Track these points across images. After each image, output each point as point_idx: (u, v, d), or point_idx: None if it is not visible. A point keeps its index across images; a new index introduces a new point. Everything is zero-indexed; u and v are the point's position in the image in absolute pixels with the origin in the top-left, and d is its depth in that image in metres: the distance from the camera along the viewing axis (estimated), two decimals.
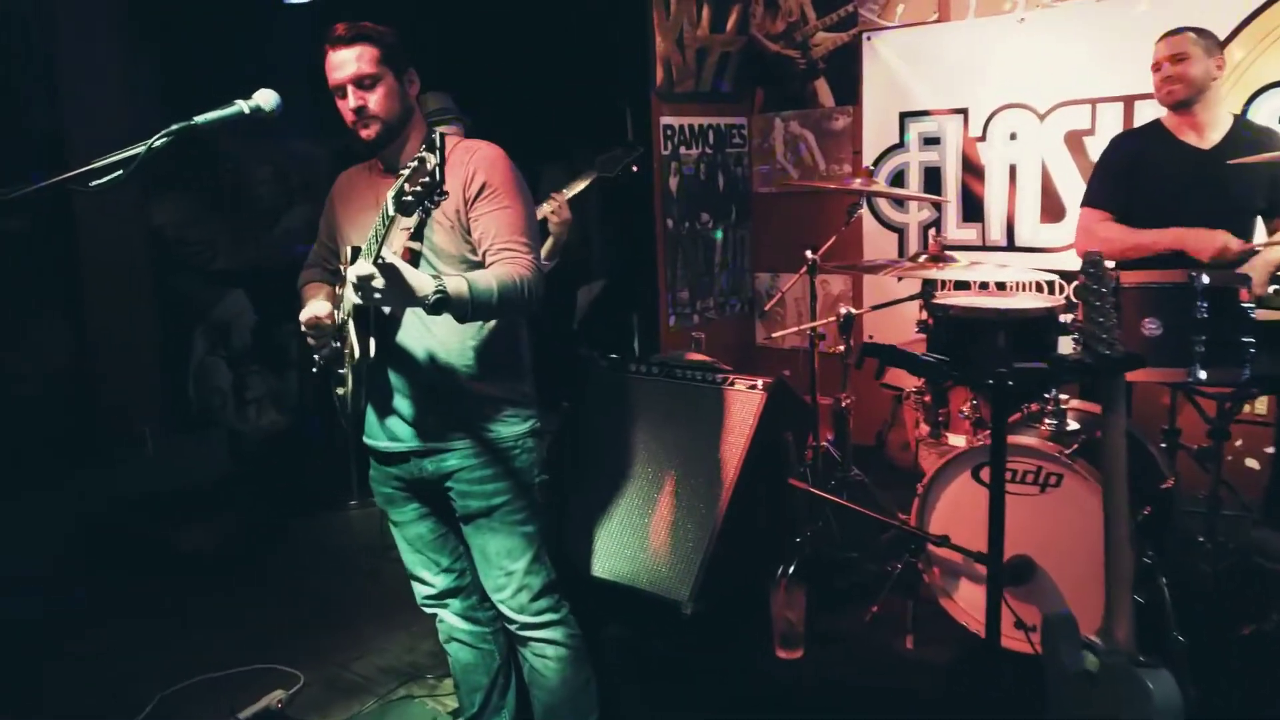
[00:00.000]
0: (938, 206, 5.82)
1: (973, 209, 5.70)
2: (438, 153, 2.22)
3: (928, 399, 4.21)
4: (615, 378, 4.28)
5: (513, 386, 2.86)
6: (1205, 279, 3.19)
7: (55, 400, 5.44)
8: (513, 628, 2.96)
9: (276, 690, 3.70)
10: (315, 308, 2.79)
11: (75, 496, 5.13)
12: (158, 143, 2.01)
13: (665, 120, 5.96)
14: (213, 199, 6.40)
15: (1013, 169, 5.53)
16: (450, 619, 3.12)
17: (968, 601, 3.67)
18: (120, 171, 1.97)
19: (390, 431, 2.84)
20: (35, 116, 5.29)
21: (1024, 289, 5.01)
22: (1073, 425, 3.60)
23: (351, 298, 2.53)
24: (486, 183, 2.67)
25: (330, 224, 2.98)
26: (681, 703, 3.62)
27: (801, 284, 4.69)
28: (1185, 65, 3.86)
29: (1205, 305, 3.19)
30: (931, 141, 5.79)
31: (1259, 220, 4.01)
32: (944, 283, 4.27)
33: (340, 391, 2.89)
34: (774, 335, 5.57)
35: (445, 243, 2.69)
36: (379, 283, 2.27)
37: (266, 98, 2.24)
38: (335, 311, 2.81)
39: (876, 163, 5.97)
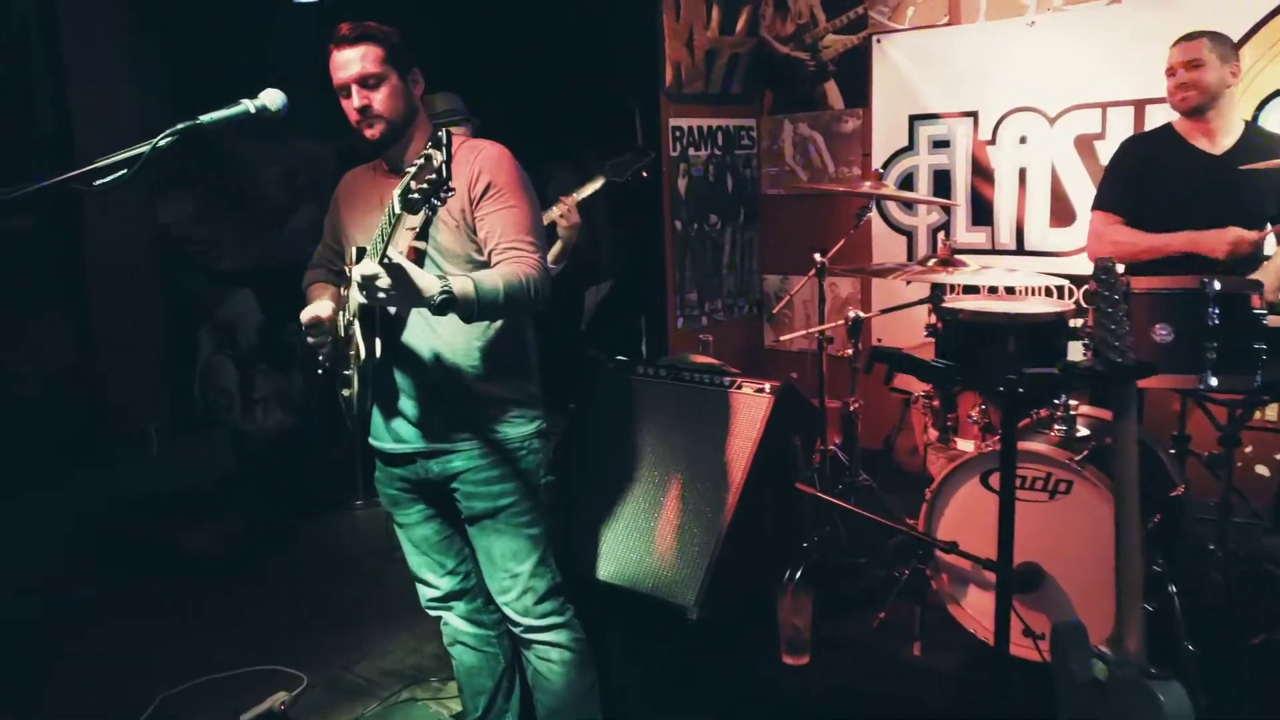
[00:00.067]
0: (947, 210, 5.80)
1: (982, 212, 5.68)
2: (444, 150, 2.21)
3: (936, 404, 4.19)
4: (622, 379, 4.26)
5: (519, 387, 2.85)
6: (1217, 285, 3.17)
7: (59, 399, 5.43)
8: (517, 630, 2.94)
9: (279, 692, 3.68)
10: (317, 307, 2.78)
11: (77, 496, 5.12)
12: (162, 142, 1.99)
13: (674, 122, 5.94)
14: (220, 198, 6.40)
15: (1022, 172, 5.51)
16: (455, 622, 3.10)
17: (976, 608, 3.64)
18: (124, 171, 1.95)
19: (396, 432, 2.83)
20: (41, 115, 5.28)
21: (1033, 293, 4.99)
22: (1082, 431, 3.57)
23: (357, 298, 2.52)
24: (492, 182, 2.65)
25: (335, 224, 2.97)
26: (686, 708, 3.61)
27: (810, 286, 4.68)
28: (1200, 72, 3.84)
29: (1217, 311, 3.17)
30: (941, 144, 5.77)
31: (1269, 227, 3.99)
32: (952, 286, 4.25)
33: (346, 393, 2.87)
34: (782, 338, 5.55)
35: (450, 242, 2.68)
36: (384, 282, 2.26)
37: (273, 97, 2.22)
38: (340, 312, 2.80)
39: (886, 165, 5.94)
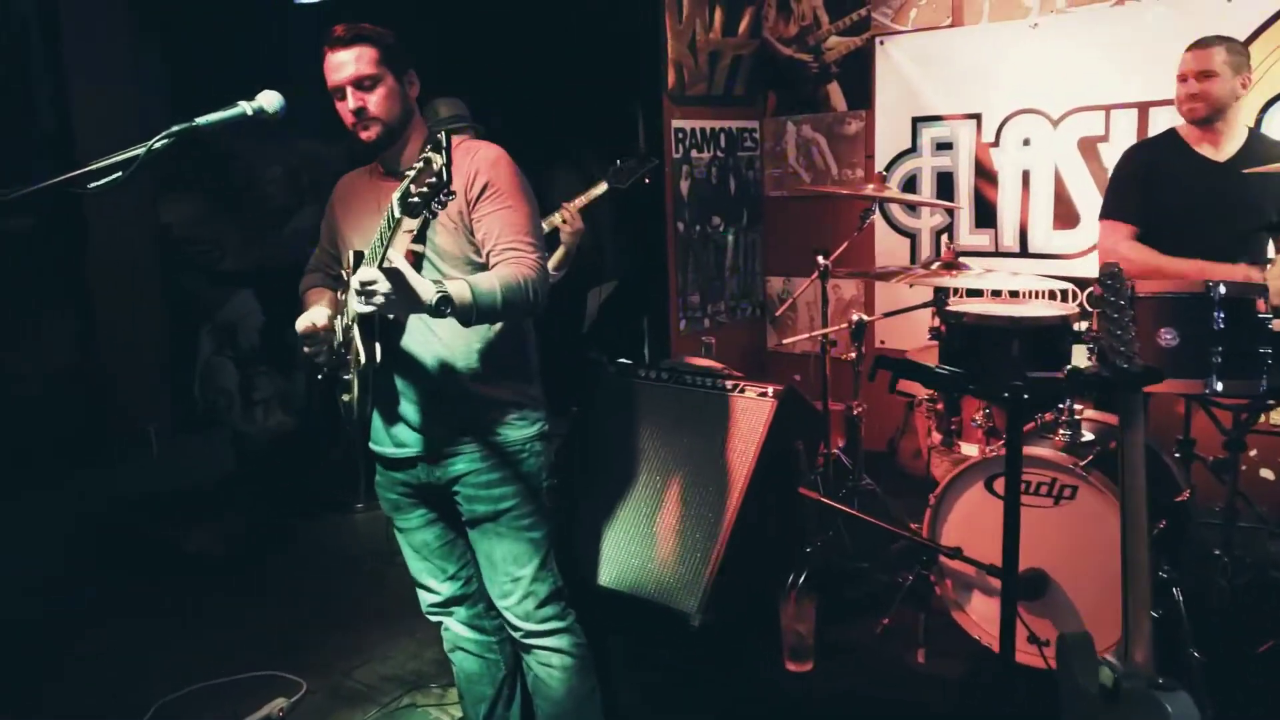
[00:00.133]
0: (950, 212, 5.79)
1: (985, 215, 5.67)
2: (444, 153, 2.19)
3: (940, 407, 4.18)
4: (624, 383, 4.24)
5: (520, 389, 2.83)
6: (1222, 289, 3.17)
7: (60, 399, 5.42)
8: (517, 635, 2.92)
9: (279, 698, 3.67)
10: (312, 315, 2.77)
11: (77, 496, 5.11)
12: (158, 144, 1.97)
13: (677, 123, 5.92)
14: (221, 198, 6.39)
15: (1026, 175, 5.50)
16: (456, 627, 3.09)
17: (980, 615, 3.62)
18: (120, 173, 1.93)
19: (396, 437, 2.81)
20: (41, 115, 5.27)
21: (1037, 296, 4.97)
22: (1087, 436, 3.55)
23: (356, 303, 2.50)
24: (489, 183, 2.64)
25: (331, 229, 2.95)
26: (688, 715, 3.59)
27: (813, 289, 4.66)
28: (1211, 83, 3.82)
29: (1222, 315, 3.16)
30: (944, 146, 5.76)
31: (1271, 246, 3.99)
32: (956, 289, 4.24)
33: (346, 398, 2.85)
34: (785, 341, 5.54)
35: (449, 245, 2.66)
36: (383, 288, 2.25)
37: (270, 99, 2.20)
38: (338, 318, 2.78)
39: (889, 167, 5.93)
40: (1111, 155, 4.41)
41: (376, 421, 2.84)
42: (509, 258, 2.59)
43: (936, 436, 4.21)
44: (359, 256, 2.57)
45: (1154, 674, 2.38)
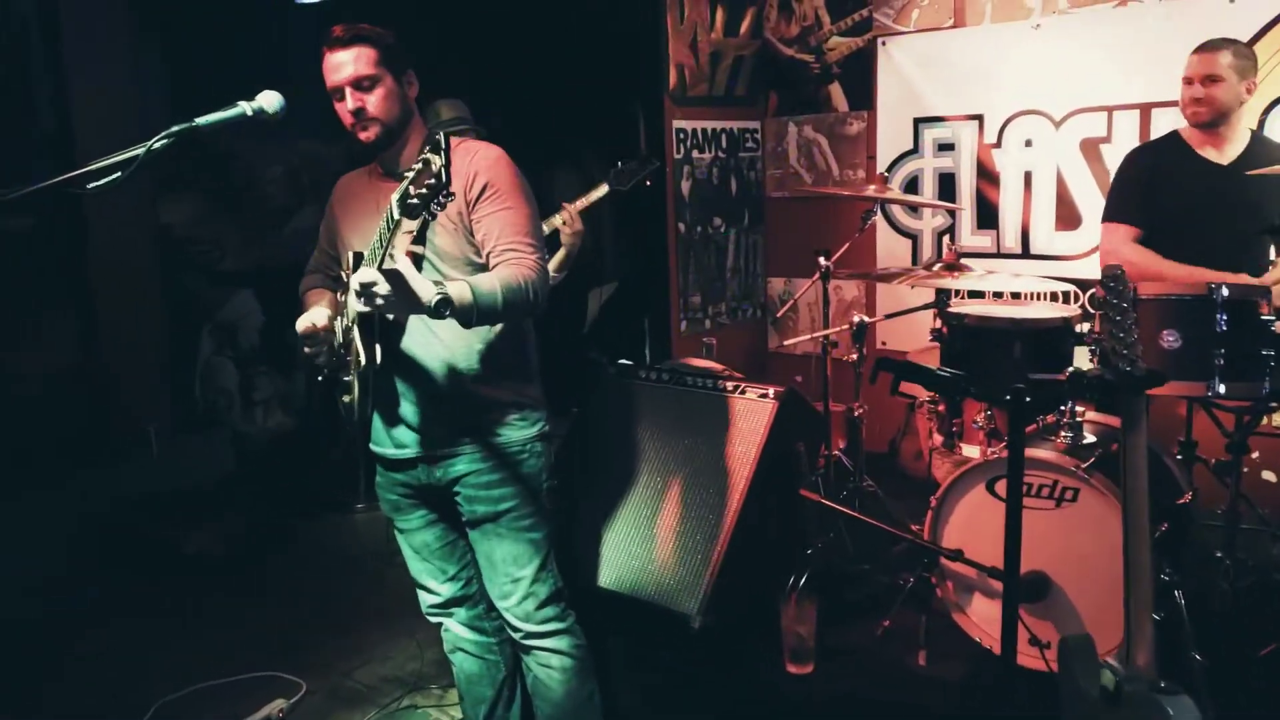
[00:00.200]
0: (952, 213, 5.78)
1: (987, 216, 5.66)
2: (443, 154, 2.18)
3: (941, 408, 4.17)
4: (624, 384, 4.23)
5: (520, 389, 2.82)
6: (1225, 291, 3.16)
7: (62, 399, 5.41)
8: (517, 636, 2.91)
9: (278, 700, 3.66)
10: (312, 315, 2.76)
11: (77, 496, 5.11)
12: (157, 144, 1.97)
13: (678, 124, 5.92)
14: (221, 198, 6.38)
15: (1028, 176, 5.49)
16: (456, 628, 3.08)
17: (981, 617, 3.62)
18: (119, 173, 1.93)
19: (397, 438, 2.81)
20: (41, 115, 5.26)
21: (1039, 298, 4.96)
22: (1089, 438, 3.55)
23: (355, 304, 2.49)
24: (489, 183, 2.63)
25: (330, 230, 2.94)
26: (688, 717, 3.58)
27: (814, 290, 4.65)
28: (1217, 88, 3.81)
29: (1225, 318, 3.15)
30: (946, 147, 5.75)
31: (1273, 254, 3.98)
32: (957, 290, 4.23)
33: (346, 399, 2.84)
34: (786, 342, 5.53)
35: (448, 245, 2.65)
36: (383, 289, 2.24)
37: (270, 99, 2.19)
38: (338, 319, 2.77)
39: (890, 168, 5.92)
40: (1114, 156, 4.40)
41: (377, 422, 2.83)
42: (509, 258, 2.58)
43: (938, 438, 4.19)
44: (358, 258, 2.56)
45: (1156, 677, 2.37)
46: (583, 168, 6.12)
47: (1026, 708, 2.96)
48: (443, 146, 2.19)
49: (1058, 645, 2.62)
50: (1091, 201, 5.20)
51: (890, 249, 6.04)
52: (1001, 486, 3.46)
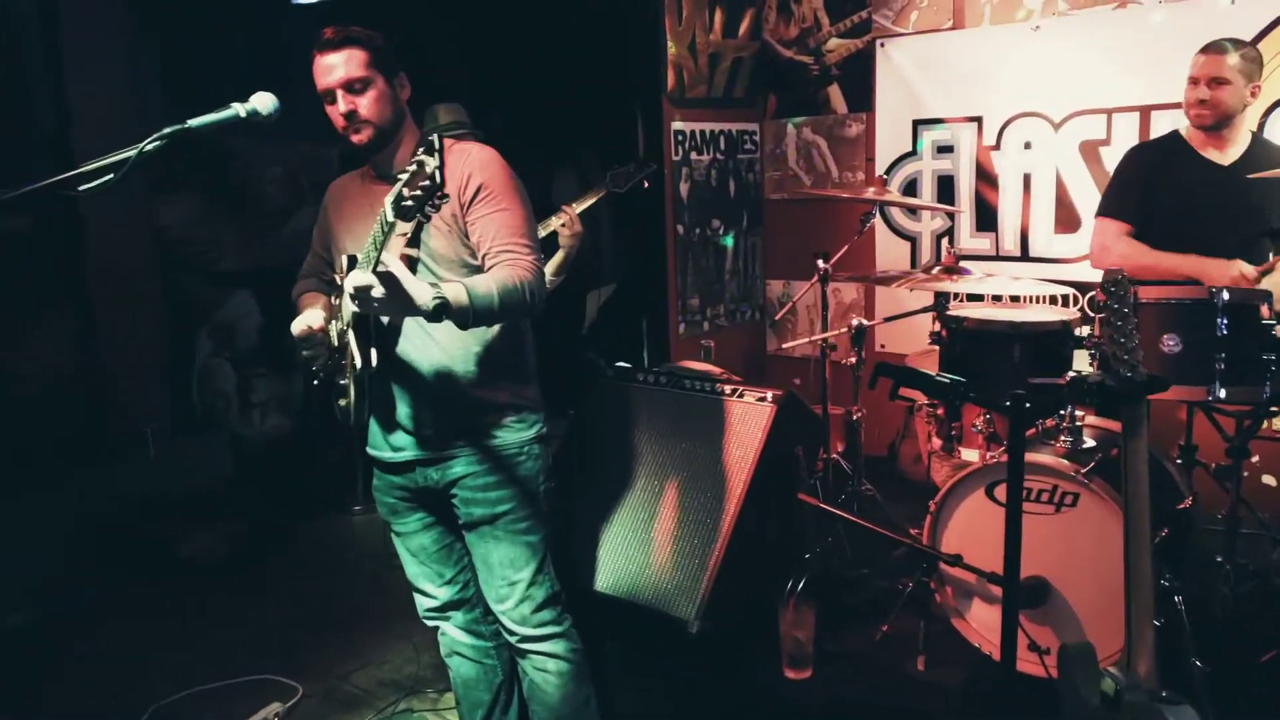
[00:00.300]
0: (951, 216, 5.77)
1: (986, 218, 5.65)
2: (436, 155, 2.17)
3: (940, 412, 4.16)
4: (622, 386, 4.21)
5: (518, 391, 2.81)
6: (1226, 295, 3.15)
7: (60, 400, 5.40)
8: (513, 640, 2.90)
9: (274, 703, 3.65)
10: (308, 317, 2.75)
11: (74, 498, 5.09)
12: (149, 146, 1.95)
13: (676, 125, 5.90)
14: (220, 199, 6.36)
15: (1027, 178, 5.48)
16: (453, 632, 3.07)
17: (980, 622, 3.60)
18: (111, 175, 1.91)
19: (394, 441, 2.80)
20: (40, 116, 5.25)
21: (1038, 301, 4.95)
22: (1089, 443, 3.53)
23: (350, 308, 2.48)
24: (483, 185, 2.62)
25: (324, 233, 2.94)
26: None
27: (813, 292, 4.64)
28: (1222, 91, 3.79)
29: (1225, 322, 3.14)
30: (945, 150, 5.74)
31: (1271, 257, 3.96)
32: (956, 293, 4.22)
33: (343, 403, 2.83)
34: (785, 345, 5.52)
35: (443, 248, 2.64)
36: (378, 292, 2.24)
37: (264, 101, 2.17)
38: (333, 322, 2.76)
39: (889, 170, 5.91)
40: (1113, 158, 4.39)
41: (374, 426, 2.82)
42: (505, 260, 2.58)
43: (937, 442, 4.19)
44: (352, 261, 2.55)
45: (1157, 686, 2.35)
46: (582, 169, 6.11)
47: (1026, 714, 2.95)
48: (436, 148, 2.18)
49: (1058, 653, 2.61)
50: (1091, 204, 5.16)
51: (889, 252, 6.03)
52: (1001, 491, 3.45)
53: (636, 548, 3.86)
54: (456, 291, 2.37)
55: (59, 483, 5.08)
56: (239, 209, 6.44)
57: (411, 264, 2.55)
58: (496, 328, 2.72)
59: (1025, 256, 5.51)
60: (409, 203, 2.20)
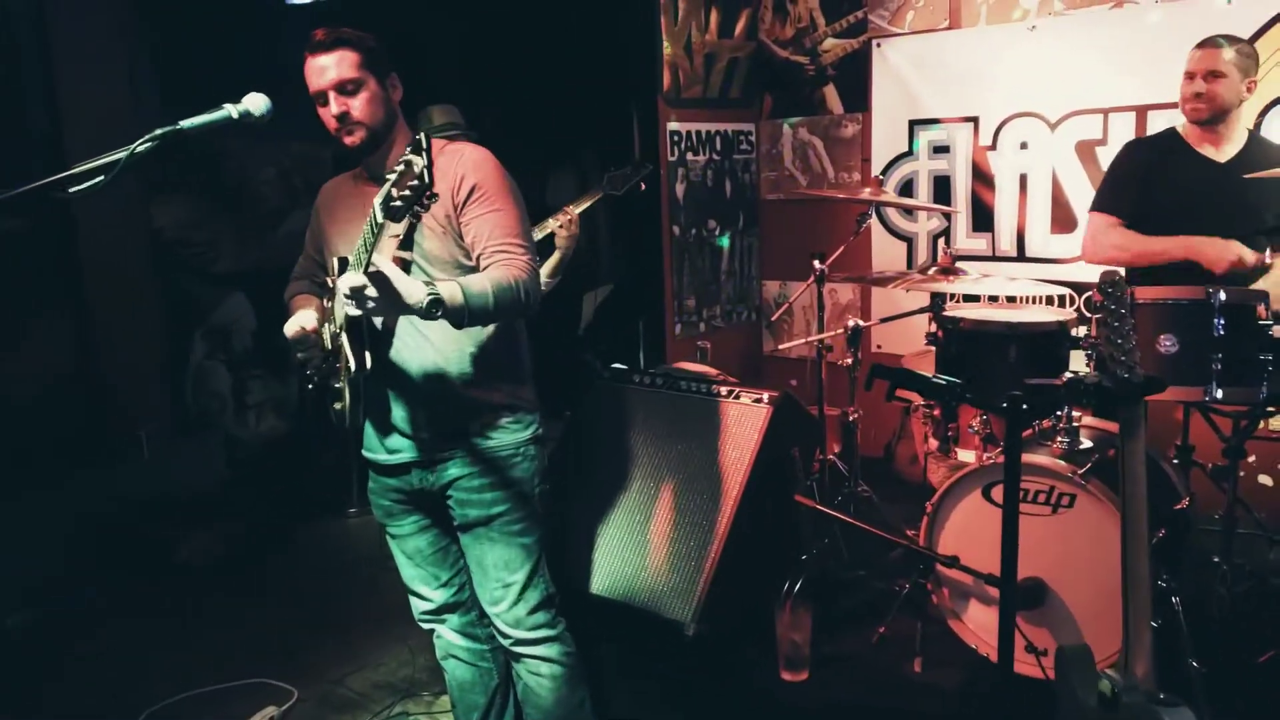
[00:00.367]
0: (947, 216, 5.76)
1: (983, 219, 5.64)
2: (424, 154, 2.16)
3: (937, 413, 4.15)
4: (618, 388, 4.20)
5: (513, 392, 2.80)
6: (1223, 295, 3.14)
7: (58, 400, 5.39)
8: (506, 643, 2.89)
9: (269, 706, 3.64)
10: (301, 319, 2.74)
11: (74, 497, 5.09)
12: (141, 147, 1.93)
13: (672, 126, 5.89)
14: (215, 200, 6.36)
15: (1023, 178, 5.47)
16: (448, 635, 3.06)
17: (977, 624, 3.60)
18: (102, 177, 1.89)
19: (389, 443, 2.79)
20: (33, 116, 5.23)
21: (1034, 301, 4.94)
22: (1086, 444, 3.52)
23: (343, 310, 2.47)
24: (476, 185, 2.61)
25: (316, 236, 2.93)
26: None
27: (809, 293, 4.64)
28: (1219, 85, 3.78)
29: (1222, 322, 3.15)
30: (941, 150, 5.73)
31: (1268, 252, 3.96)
32: (953, 294, 4.22)
33: (338, 406, 2.81)
34: (781, 347, 5.51)
35: (437, 249, 2.64)
36: (371, 292, 2.23)
37: (256, 102, 2.15)
38: (326, 324, 2.75)
39: (885, 171, 5.90)
40: (1109, 159, 4.38)
41: (369, 428, 2.82)
42: (500, 259, 2.57)
43: (933, 443, 4.18)
44: (343, 263, 2.54)
45: (1155, 688, 2.34)
46: (578, 169, 6.11)
47: (1022, 715, 2.94)
48: (424, 148, 2.17)
49: (1055, 655, 2.60)
50: (1087, 204, 5.15)
51: (885, 252, 6.02)
52: (998, 492, 3.45)
53: (632, 550, 3.85)
54: (451, 290, 2.36)
55: (58, 483, 5.07)
56: (234, 210, 6.44)
57: (405, 267, 2.53)
58: (491, 328, 2.71)
59: (1021, 257, 5.51)
60: (398, 203, 2.19)
